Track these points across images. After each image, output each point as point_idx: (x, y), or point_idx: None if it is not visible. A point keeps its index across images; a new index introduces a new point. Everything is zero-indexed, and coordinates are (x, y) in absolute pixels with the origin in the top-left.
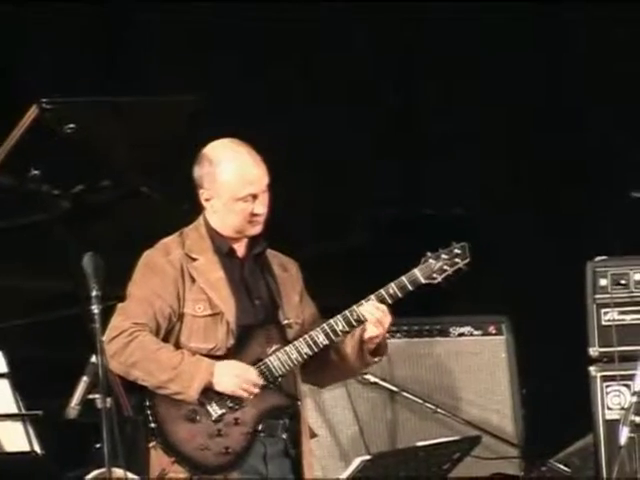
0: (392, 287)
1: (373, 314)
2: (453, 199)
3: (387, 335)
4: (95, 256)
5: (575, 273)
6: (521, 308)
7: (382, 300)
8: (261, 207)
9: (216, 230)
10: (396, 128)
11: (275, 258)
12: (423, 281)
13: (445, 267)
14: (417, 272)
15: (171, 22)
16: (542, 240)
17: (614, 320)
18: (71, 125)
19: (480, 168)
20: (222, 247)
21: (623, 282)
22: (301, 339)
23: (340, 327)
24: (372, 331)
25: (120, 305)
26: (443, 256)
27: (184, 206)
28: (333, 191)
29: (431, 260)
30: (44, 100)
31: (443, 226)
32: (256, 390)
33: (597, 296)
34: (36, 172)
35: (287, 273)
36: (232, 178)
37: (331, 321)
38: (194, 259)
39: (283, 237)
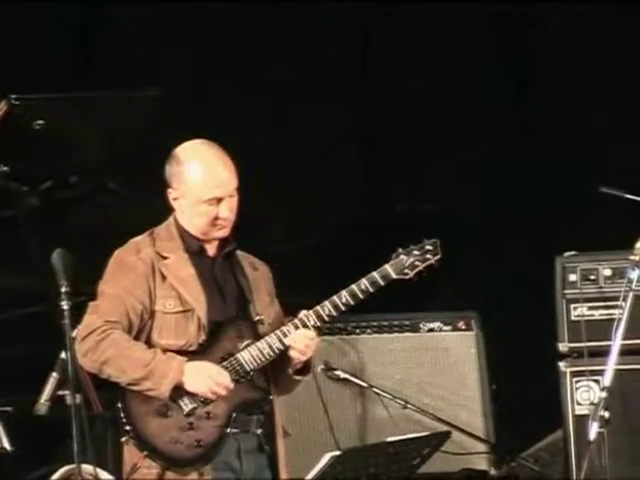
0: (363, 282)
1: (298, 343)
2: (424, 196)
3: (357, 331)
4: (64, 252)
5: (544, 268)
6: (491, 303)
7: (353, 295)
8: (226, 211)
9: (186, 229)
10: (369, 126)
11: (246, 259)
12: (394, 276)
13: (416, 263)
14: (388, 267)
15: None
16: (512, 235)
17: (583, 315)
18: (40, 121)
19: (453, 166)
20: (192, 246)
21: (592, 277)
22: (272, 334)
23: (312, 322)
24: (295, 356)
25: (92, 303)
26: (414, 252)
27: (154, 202)
28: (304, 189)
29: (402, 256)
30: (13, 96)
31: (414, 223)
32: (225, 393)
33: (566, 291)
34: (4, 168)
35: (257, 272)
36: (198, 180)
37: (302, 316)
38: (165, 257)
39: (255, 235)
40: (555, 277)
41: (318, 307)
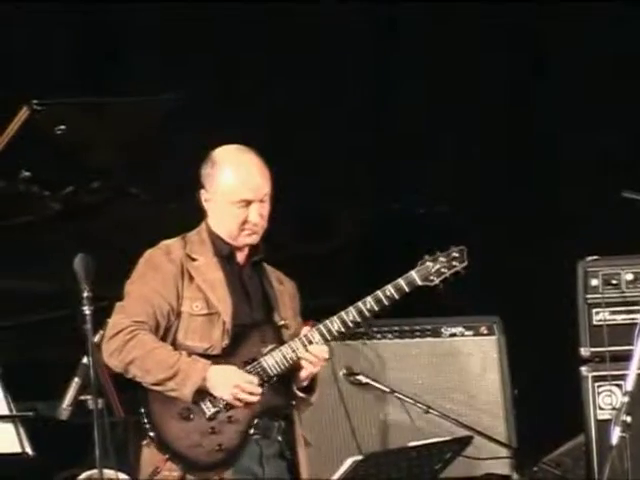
0: (388, 289)
1: (317, 355)
2: (441, 198)
3: (378, 336)
4: (86, 257)
5: (566, 273)
6: (513, 308)
7: (379, 301)
8: (256, 216)
9: (217, 234)
10: (381, 127)
11: (273, 273)
12: (420, 283)
13: (443, 270)
14: (414, 274)
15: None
16: (534, 239)
17: (605, 320)
18: (61, 126)
19: (471, 167)
20: (223, 250)
21: (614, 282)
22: (297, 339)
23: (336, 327)
24: (308, 370)
25: (118, 304)
26: (441, 259)
27: (172, 206)
28: (316, 190)
29: (428, 262)
30: (35, 101)
31: (431, 224)
32: (255, 399)
33: (588, 296)
34: (27, 173)
35: (283, 286)
36: (229, 181)
37: (327, 321)
38: (194, 259)
39: (266, 238)
40: (577, 282)
41: (342, 313)
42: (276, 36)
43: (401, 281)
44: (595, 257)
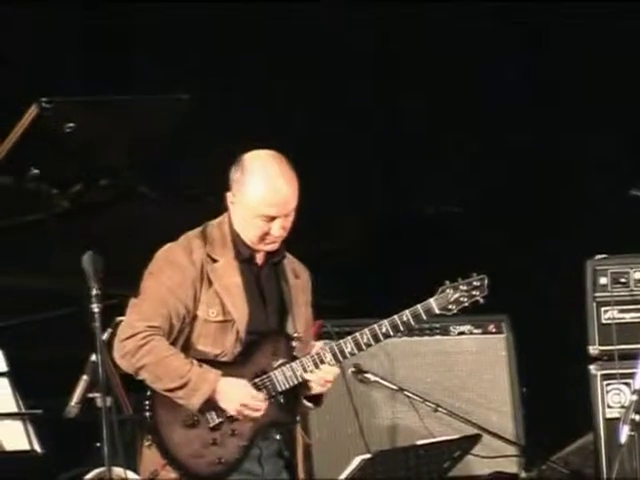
0: (406, 314)
1: (327, 379)
2: (449, 198)
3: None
4: (95, 255)
5: (575, 271)
6: (521, 306)
7: (395, 326)
8: (278, 230)
9: (238, 234)
10: (381, 127)
11: (290, 264)
12: (438, 312)
13: (462, 299)
14: (433, 302)
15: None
16: (542, 238)
17: (614, 318)
18: (70, 124)
19: (478, 167)
20: (243, 252)
21: (623, 280)
22: (308, 356)
23: (349, 349)
24: (317, 390)
25: (134, 301)
26: (461, 287)
27: (183, 205)
28: (325, 191)
29: (448, 290)
30: (43, 99)
31: (440, 224)
32: (259, 414)
33: (597, 294)
34: (35, 171)
35: (299, 280)
36: (257, 194)
37: (341, 342)
38: (215, 260)
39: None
40: (586, 280)
41: (357, 334)
42: (276, 36)
43: (419, 308)
44: (604, 255)
